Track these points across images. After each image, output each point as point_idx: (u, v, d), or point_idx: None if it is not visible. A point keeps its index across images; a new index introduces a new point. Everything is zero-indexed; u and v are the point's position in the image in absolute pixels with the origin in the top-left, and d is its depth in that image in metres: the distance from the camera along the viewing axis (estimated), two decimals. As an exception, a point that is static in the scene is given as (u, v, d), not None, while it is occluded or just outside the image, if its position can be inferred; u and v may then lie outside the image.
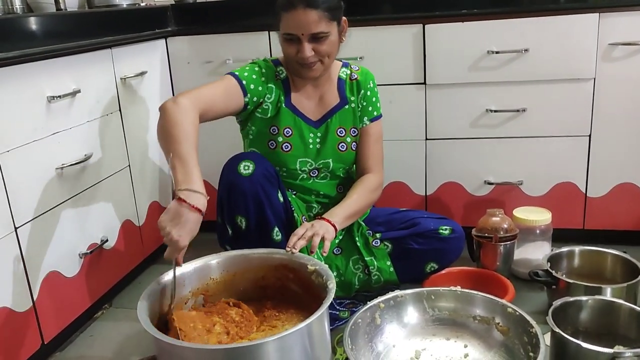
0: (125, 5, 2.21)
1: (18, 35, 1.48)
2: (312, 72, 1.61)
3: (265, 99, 1.66)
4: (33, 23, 1.54)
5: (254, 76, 1.63)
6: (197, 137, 1.40)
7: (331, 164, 1.72)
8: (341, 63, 1.76)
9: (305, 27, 1.53)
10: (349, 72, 1.75)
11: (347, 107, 1.72)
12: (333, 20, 1.57)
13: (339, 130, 1.72)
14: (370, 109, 1.75)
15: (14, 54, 1.43)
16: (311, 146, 1.71)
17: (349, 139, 1.73)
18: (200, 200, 1.28)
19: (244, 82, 1.61)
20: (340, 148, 1.72)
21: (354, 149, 1.75)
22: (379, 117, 1.77)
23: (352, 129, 1.74)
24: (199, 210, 1.28)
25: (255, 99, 1.64)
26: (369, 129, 1.75)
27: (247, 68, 1.65)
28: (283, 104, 1.68)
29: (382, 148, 1.80)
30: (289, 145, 1.68)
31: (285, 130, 1.68)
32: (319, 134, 1.72)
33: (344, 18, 1.63)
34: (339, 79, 1.74)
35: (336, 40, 1.61)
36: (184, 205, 1.26)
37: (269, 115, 1.67)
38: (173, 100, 1.44)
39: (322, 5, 1.52)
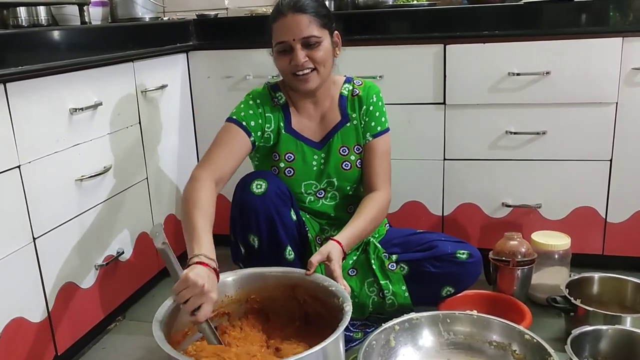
0: (147, 20, 2.24)
1: (42, 48, 1.51)
2: (309, 83, 1.59)
3: (266, 128, 1.66)
4: (57, 36, 1.56)
5: (251, 111, 1.64)
6: (212, 211, 1.42)
7: (336, 182, 1.71)
8: (344, 78, 1.75)
9: (295, 31, 1.54)
10: (351, 87, 1.73)
11: (348, 124, 1.71)
12: (324, 28, 1.58)
13: (342, 148, 1.71)
14: (373, 124, 1.71)
15: (38, 66, 1.45)
16: (315, 168, 1.70)
17: (353, 157, 1.71)
18: (212, 263, 1.27)
19: (244, 123, 1.62)
20: (344, 167, 1.70)
21: (359, 166, 1.72)
22: (384, 132, 1.73)
23: (356, 147, 1.71)
24: (214, 270, 1.27)
25: (259, 133, 1.65)
26: (372, 145, 1.71)
27: (242, 106, 1.66)
28: (283, 130, 1.67)
29: (390, 164, 1.76)
30: (291, 170, 1.68)
31: (287, 156, 1.68)
32: (322, 155, 1.71)
33: (336, 32, 1.65)
34: (341, 95, 1.72)
35: (330, 50, 1.61)
36: (199, 265, 1.24)
37: (271, 143, 1.68)
38: (190, 181, 1.48)
39: (310, 10, 1.55)
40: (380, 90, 1.75)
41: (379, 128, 1.72)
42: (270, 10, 2.30)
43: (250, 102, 1.66)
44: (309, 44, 1.56)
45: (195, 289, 1.19)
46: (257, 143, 1.65)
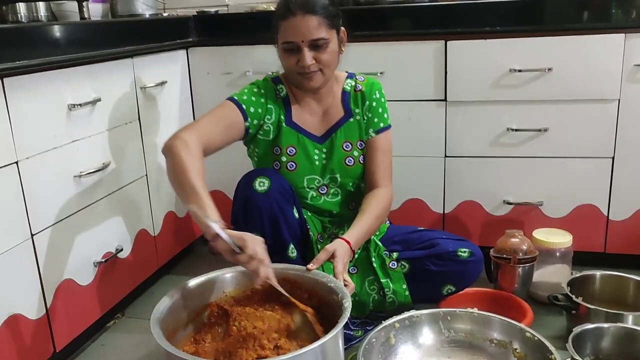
0: (147, 16, 2.23)
1: (42, 43, 1.50)
2: (313, 82, 1.59)
3: (265, 120, 1.64)
4: (57, 31, 1.55)
5: (254, 98, 1.62)
6: (204, 170, 1.39)
7: (339, 179, 1.70)
8: (346, 74, 1.74)
9: (305, 33, 1.52)
10: (353, 83, 1.72)
11: (351, 120, 1.70)
12: (332, 28, 1.56)
13: (345, 144, 1.70)
14: (375, 120, 1.70)
15: (37, 61, 1.44)
16: (317, 162, 1.68)
17: (356, 153, 1.70)
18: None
19: (244, 106, 1.60)
20: (347, 162, 1.69)
21: (361, 162, 1.71)
22: (386, 128, 1.72)
23: (359, 142, 1.71)
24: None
25: (255, 122, 1.62)
26: (374, 141, 1.71)
27: (246, 91, 1.64)
28: (284, 123, 1.66)
29: (391, 160, 1.74)
30: (293, 164, 1.66)
31: (289, 150, 1.66)
32: (324, 150, 1.69)
33: (342, 28, 1.62)
34: (343, 91, 1.71)
35: (336, 49, 1.59)
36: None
37: (271, 136, 1.66)
38: (176, 138, 1.43)
39: (320, 11, 1.52)
40: (382, 86, 1.74)
41: (381, 124, 1.71)
42: (272, 7, 2.31)
43: (255, 89, 1.65)
44: (317, 45, 1.54)
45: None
46: (251, 131, 1.63)
